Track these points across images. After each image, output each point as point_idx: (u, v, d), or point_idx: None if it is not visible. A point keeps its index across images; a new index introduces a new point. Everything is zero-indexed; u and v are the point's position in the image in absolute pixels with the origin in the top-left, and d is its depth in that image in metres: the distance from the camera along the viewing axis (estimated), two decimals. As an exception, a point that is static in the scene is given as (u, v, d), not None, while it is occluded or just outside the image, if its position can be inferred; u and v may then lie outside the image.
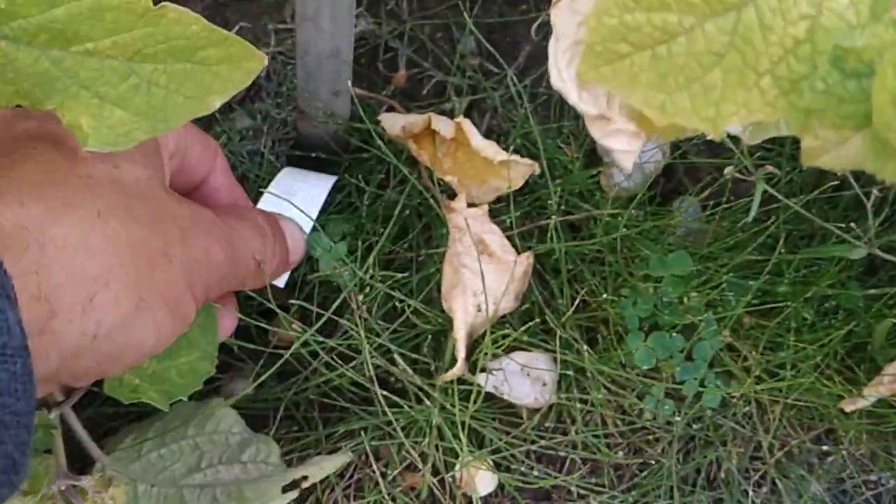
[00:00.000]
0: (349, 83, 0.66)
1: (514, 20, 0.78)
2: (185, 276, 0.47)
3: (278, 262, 0.59)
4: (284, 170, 0.70)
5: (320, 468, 0.61)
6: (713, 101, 0.33)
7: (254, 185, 0.72)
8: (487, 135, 0.69)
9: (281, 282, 0.62)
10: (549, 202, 0.68)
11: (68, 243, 0.41)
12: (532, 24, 0.77)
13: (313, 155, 0.73)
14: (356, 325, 0.63)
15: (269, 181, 0.72)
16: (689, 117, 0.34)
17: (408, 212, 0.69)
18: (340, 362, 0.65)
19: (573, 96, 0.35)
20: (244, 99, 0.74)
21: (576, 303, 0.68)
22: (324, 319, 0.61)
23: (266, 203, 0.65)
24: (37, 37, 0.38)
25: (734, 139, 0.62)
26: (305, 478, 0.60)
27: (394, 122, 0.68)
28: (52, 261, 0.40)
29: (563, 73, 0.35)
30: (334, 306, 0.62)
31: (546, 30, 0.76)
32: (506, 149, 0.66)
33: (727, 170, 0.62)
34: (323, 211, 0.67)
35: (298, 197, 0.66)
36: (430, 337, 0.67)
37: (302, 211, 0.64)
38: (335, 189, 0.71)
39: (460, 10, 0.76)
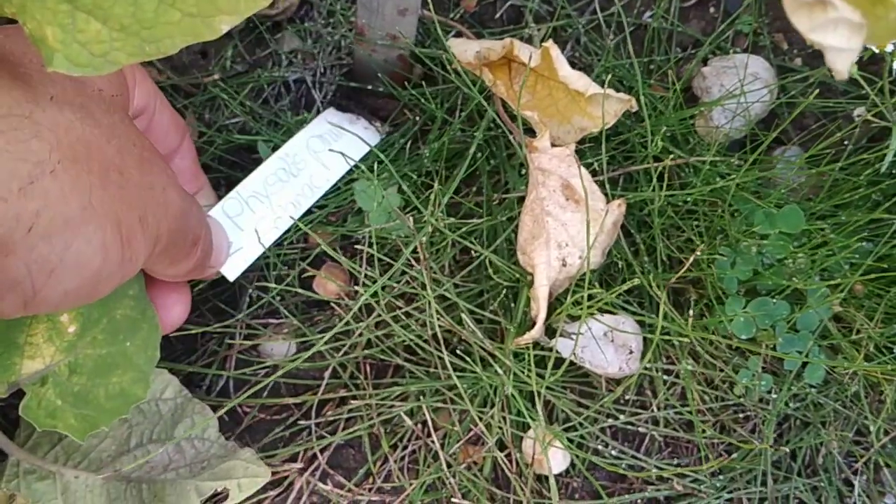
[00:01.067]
0: (419, 0, 0.58)
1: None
2: (138, 204, 0.39)
3: (202, 257, 0.50)
4: (320, 118, 0.61)
5: (239, 488, 0.53)
6: None
7: (295, 122, 0.63)
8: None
9: (232, 273, 0.54)
10: (644, 145, 0.60)
11: (13, 112, 0.34)
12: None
13: (369, 87, 0.64)
14: (418, 278, 0.55)
15: (316, 115, 0.64)
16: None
17: (479, 153, 0.60)
18: (392, 320, 0.57)
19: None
20: (293, 17, 0.65)
21: (663, 260, 0.60)
22: (395, 269, 0.53)
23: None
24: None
25: (866, 80, 0.53)
26: (226, 491, 0.53)
27: (466, 48, 0.59)
28: None
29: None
30: (408, 252, 0.53)
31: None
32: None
33: (858, 111, 0.54)
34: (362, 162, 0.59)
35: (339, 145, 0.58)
36: (501, 294, 0.59)
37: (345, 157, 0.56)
38: (386, 134, 0.63)
39: (539, -74, 0.67)
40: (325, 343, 0.62)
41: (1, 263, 0.34)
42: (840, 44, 0.28)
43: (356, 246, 0.56)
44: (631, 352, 0.58)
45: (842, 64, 0.28)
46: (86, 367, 0.48)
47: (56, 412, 0.47)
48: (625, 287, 0.51)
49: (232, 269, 0.54)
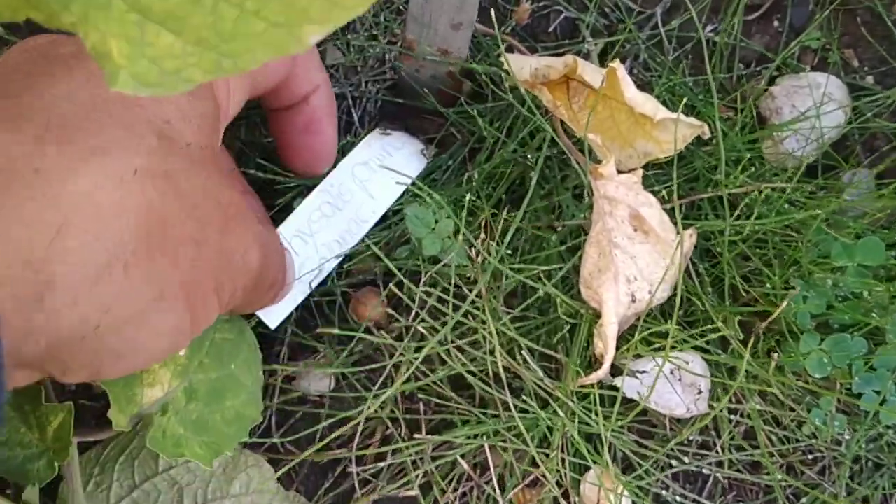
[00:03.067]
0: (475, 14, 0.54)
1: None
2: (214, 274, 0.37)
3: (276, 296, 0.49)
4: (363, 143, 0.57)
5: None
6: None
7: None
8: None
9: (273, 321, 0.52)
10: (710, 171, 0.56)
11: (92, 201, 0.30)
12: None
13: (415, 105, 0.60)
14: (477, 314, 0.51)
15: (355, 135, 0.60)
16: None
17: (534, 175, 0.57)
18: (445, 354, 0.53)
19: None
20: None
21: (729, 292, 0.57)
22: (461, 311, 0.49)
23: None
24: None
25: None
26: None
27: (523, 65, 0.56)
28: (65, 220, 0.30)
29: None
30: (472, 295, 0.50)
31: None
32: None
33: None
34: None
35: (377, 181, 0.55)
36: (558, 328, 0.55)
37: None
38: (430, 158, 0.59)
39: (593, -67, 0.63)
40: (367, 378, 0.58)
41: (66, 355, 0.32)
42: None
43: (407, 280, 0.52)
44: (700, 392, 0.55)
45: None
46: (200, 392, 0.47)
47: (181, 441, 0.46)
48: (711, 334, 0.48)
49: (274, 317, 0.50)
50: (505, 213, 0.59)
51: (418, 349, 0.56)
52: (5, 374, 0.26)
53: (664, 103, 0.60)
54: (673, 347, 0.54)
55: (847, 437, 0.57)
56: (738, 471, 0.58)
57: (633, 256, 0.52)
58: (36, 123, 0.31)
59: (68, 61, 0.34)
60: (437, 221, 0.54)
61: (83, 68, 0.34)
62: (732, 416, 0.58)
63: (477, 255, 0.51)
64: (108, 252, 0.31)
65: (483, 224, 0.55)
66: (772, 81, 0.61)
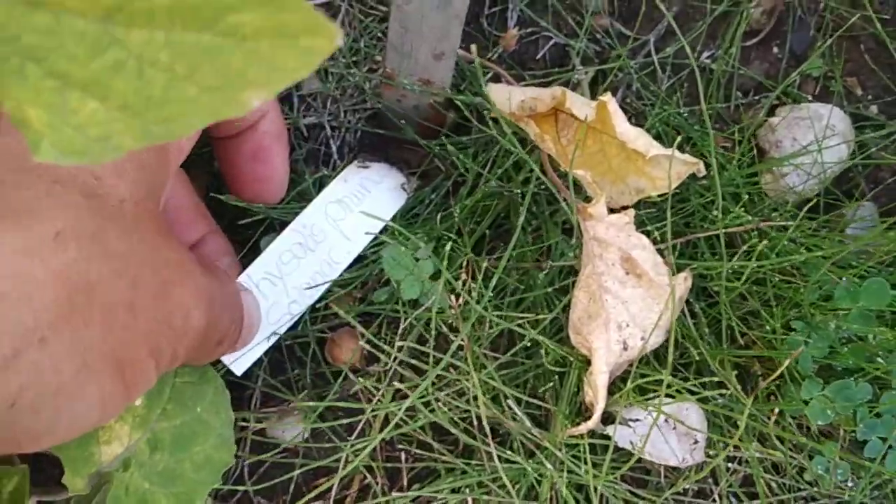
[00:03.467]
0: (457, 44, 0.51)
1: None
2: (150, 339, 0.34)
3: (226, 349, 0.47)
4: (338, 179, 0.54)
5: None
6: None
7: (313, 180, 0.56)
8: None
9: (239, 368, 0.49)
10: (706, 206, 0.53)
11: (3, 272, 0.28)
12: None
13: (396, 136, 0.58)
14: (459, 366, 0.49)
15: (334, 170, 0.58)
16: None
17: (524, 216, 0.54)
18: (422, 405, 0.50)
19: None
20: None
21: (727, 333, 0.54)
22: (442, 364, 0.46)
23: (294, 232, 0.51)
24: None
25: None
26: None
27: (508, 96, 0.53)
28: None
29: None
30: (451, 349, 0.47)
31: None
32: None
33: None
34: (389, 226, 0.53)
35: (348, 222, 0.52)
36: (546, 375, 0.53)
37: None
38: (412, 193, 0.56)
39: (584, -45, 0.60)
40: (343, 426, 0.55)
41: None
42: None
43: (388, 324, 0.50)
44: (696, 441, 0.52)
45: None
46: (165, 441, 0.46)
47: (146, 496, 0.44)
48: (709, 384, 0.45)
49: (239, 364, 0.48)
50: (490, 249, 0.57)
51: (398, 394, 0.53)
52: None
53: (658, 134, 0.57)
54: (668, 396, 0.52)
55: (850, 485, 0.54)
56: (737, 521, 0.56)
57: (625, 301, 0.49)
58: None
59: None
60: (417, 261, 0.52)
61: (9, 123, 0.31)
62: (731, 464, 0.55)
63: (457, 300, 0.48)
64: (21, 328, 0.28)
65: (465, 265, 0.53)
66: (772, 111, 0.58)
